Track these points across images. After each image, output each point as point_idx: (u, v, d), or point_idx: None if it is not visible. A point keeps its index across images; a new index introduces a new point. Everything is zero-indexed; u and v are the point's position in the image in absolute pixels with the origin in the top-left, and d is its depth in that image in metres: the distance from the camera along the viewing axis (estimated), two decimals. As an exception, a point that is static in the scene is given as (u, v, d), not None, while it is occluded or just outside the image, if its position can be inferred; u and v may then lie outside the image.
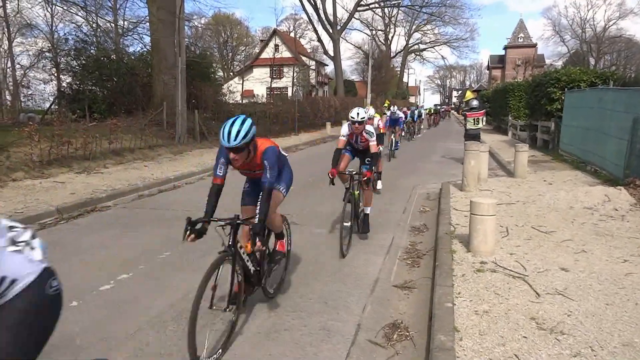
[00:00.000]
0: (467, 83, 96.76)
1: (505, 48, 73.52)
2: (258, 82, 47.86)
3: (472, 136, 11.61)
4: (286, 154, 3.78)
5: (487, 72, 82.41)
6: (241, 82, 42.29)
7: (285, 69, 49.06)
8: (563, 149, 13.05)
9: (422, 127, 27.17)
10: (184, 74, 15.31)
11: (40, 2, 28.63)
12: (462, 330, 3.17)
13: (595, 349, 2.90)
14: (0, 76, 32.98)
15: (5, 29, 33.67)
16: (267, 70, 48.14)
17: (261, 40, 55.47)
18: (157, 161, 12.33)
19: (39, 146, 9.86)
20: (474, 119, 11.98)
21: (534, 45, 69.72)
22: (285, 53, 49.39)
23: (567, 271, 4.27)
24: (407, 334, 3.42)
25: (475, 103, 12.23)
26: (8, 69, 35.50)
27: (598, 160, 10.05)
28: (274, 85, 44.78)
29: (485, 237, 4.69)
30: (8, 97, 33.04)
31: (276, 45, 49.69)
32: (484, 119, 12.33)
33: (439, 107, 45.87)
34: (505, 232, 5.56)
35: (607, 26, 58.01)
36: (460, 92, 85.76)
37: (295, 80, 44.49)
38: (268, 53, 49.18)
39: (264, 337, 3.30)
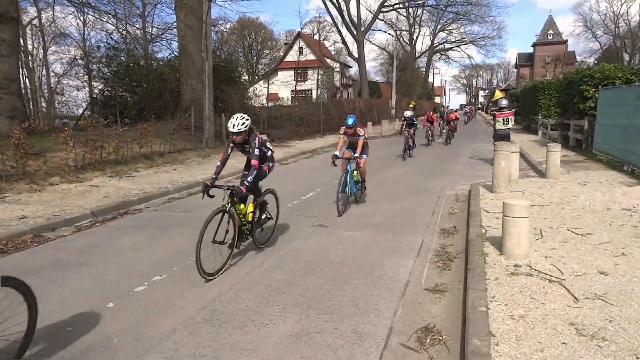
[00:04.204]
0: (495, 82, 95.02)
1: (534, 45, 71.80)
2: (283, 85, 48.23)
3: (501, 136, 11.39)
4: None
5: (515, 70, 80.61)
6: (266, 85, 42.64)
7: (309, 72, 49.24)
8: (597, 148, 12.62)
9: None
10: (211, 78, 15.55)
11: (72, 12, 29.65)
12: (497, 335, 3.10)
13: (641, 356, 2.78)
14: (35, 84, 34.27)
15: (41, 38, 35.07)
16: (292, 73, 48.42)
17: (285, 44, 55.86)
18: (186, 164, 12.56)
19: (74, 151, 10.19)
20: (503, 119, 11.75)
21: (564, 42, 67.78)
22: (309, 56, 49.59)
23: (607, 275, 4.12)
24: (440, 338, 3.37)
25: (504, 102, 11.99)
26: (43, 77, 36.91)
27: (636, 160, 9.68)
28: (298, 88, 44.98)
29: (519, 239, 4.58)
30: (43, 104, 34.35)
31: (300, 48, 49.92)
32: (513, 118, 12.06)
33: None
34: (539, 235, 5.41)
35: (642, 20, 55.78)
36: (487, 91, 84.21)
37: (319, 82, 44.58)
38: (292, 56, 49.51)
39: (296, 339, 3.30)
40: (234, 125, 4.71)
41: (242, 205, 4.97)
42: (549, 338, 3.04)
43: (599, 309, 3.46)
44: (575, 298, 3.65)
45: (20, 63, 19.63)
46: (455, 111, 27.32)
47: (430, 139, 19.00)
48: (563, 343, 2.97)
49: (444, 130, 21.97)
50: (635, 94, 10.18)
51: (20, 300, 2.50)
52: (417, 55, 65.15)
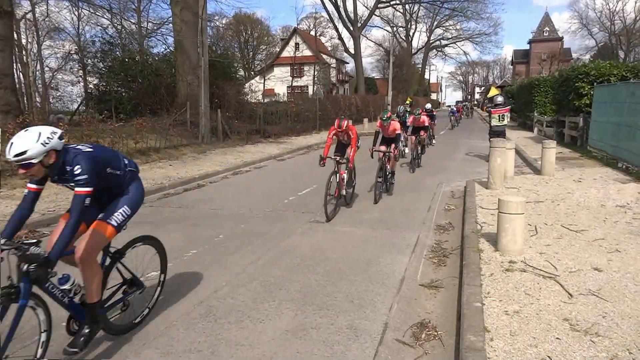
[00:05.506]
0: (490, 79, 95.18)
1: (530, 42, 71.98)
2: (279, 81, 48.08)
3: (497, 133, 11.41)
4: None
5: (511, 67, 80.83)
6: (262, 81, 42.51)
7: (305, 68, 49.11)
8: (592, 145, 12.69)
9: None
10: (207, 74, 15.48)
11: (67, 6, 29.45)
12: (492, 331, 3.12)
13: (634, 352, 2.81)
14: (30, 79, 33.97)
15: (35, 33, 34.73)
16: (288, 69, 48.31)
17: (282, 39, 55.66)
18: (182, 160, 12.52)
19: (69, 146, 10.12)
20: (499, 116, 11.77)
21: (560, 39, 67.98)
22: (305, 52, 49.44)
23: (601, 271, 4.15)
24: (436, 333, 3.39)
25: (500, 99, 12.00)
26: (37, 72, 36.58)
27: (630, 157, 9.74)
28: (294, 83, 44.92)
29: (514, 236, 4.60)
30: (38, 99, 34.06)
31: (297, 44, 49.77)
32: (509, 115, 12.08)
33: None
34: (534, 231, 5.44)
35: (637, 18, 55.96)
36: (483, 88, 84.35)
37: (315, 78, 44.50)
38: (289, 52, 49.35)
39: (292, 335, 3.31)
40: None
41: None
42: (543, 333, 3.07)
43: (593, 304, 3.48)
44: (569, 294, 3.68)
45: (14, 57, 19.42)
46: (422, 113, 13.59)
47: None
48: (557, 338, 3.00)
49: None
50: (630, 91, 10.23)
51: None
52: (413, 51, 65.05)
